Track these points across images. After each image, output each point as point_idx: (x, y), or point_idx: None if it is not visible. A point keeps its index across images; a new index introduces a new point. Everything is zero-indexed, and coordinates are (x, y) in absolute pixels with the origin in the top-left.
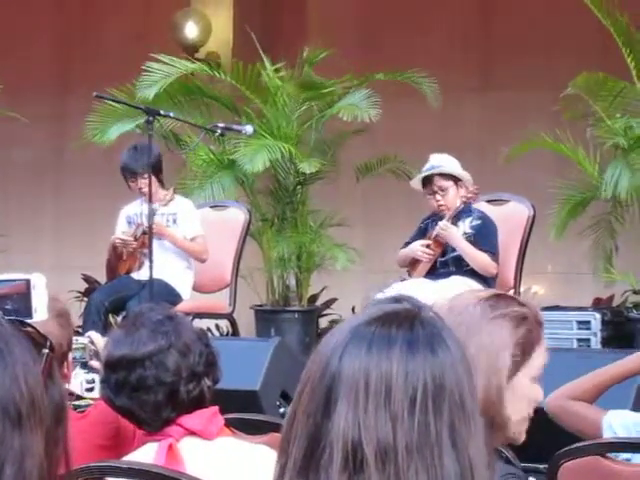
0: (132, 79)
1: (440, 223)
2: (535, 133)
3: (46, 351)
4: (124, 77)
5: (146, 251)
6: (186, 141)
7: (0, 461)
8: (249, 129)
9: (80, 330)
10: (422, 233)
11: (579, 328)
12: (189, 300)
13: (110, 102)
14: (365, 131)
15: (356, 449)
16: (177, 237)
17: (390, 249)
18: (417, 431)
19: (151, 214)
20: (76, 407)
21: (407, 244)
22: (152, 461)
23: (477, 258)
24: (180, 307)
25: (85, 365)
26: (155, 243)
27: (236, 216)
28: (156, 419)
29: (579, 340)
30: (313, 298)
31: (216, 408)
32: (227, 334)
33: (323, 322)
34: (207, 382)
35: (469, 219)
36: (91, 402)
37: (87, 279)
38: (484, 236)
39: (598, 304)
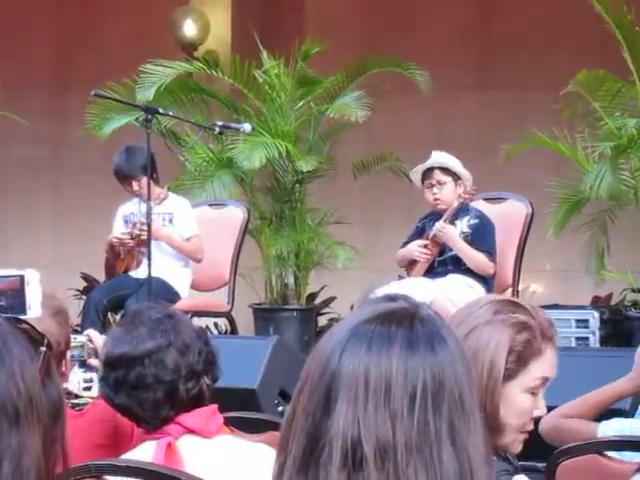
0: (131, 77)
1: (437, 224)
2: (534, 132)
3: (44, 349)
4: (123, 75)
5: (144, 250)
6: (185, 139)
7: None
8: (247, 127)
9: (79, 328)
10: (419, 233)
11: (577, 327)
12: (187, 298)
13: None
14: (362, 127)
15: (355, 447)
16: (173, 238)
17: (388, 247)
18: (416, 429)
19: (149, 213)
20: (74, 405)
21: (405, 244)
22: (150, 459)
23: (474, 258)
24: (178, 305)
25: (83, 364)
26: (153, 242)
27: (234, 214)
28: (155, 417)
29: (577, 339)
30: (312, 296)
31: (215, 406)
32: (226, 332)
33: (322, 320)
34: (206, 380)
35: (466, 218)
36: (89, 401)
37: (86, 277)
38: (481, 236)
39: (597, 302)
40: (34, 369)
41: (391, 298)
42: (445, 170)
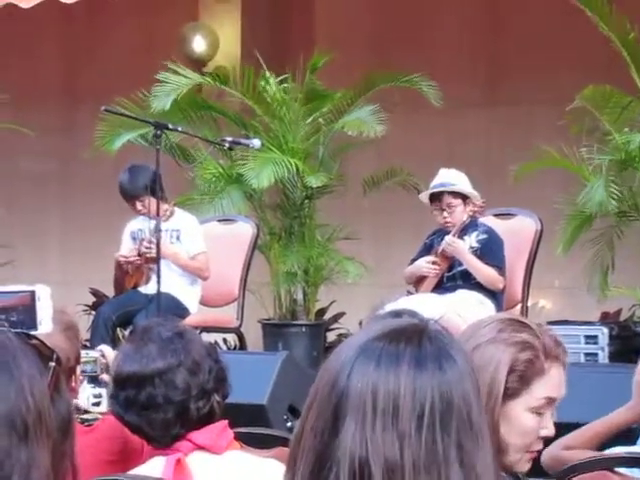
0: (140, 93)
1: (446, 238)
2: (542, 150)
3: (53, 364)
4: (131, 90)
5: (152, 266)
6: (194, 155)
7: (7, 473)
8: (257, 143)
9: (87, 344)
10: (427, 249)
11: (586, 343)
12: (197, 314)
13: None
14: (371, 143)
15: (363, 467)
16: (179, 257)
17: (398, 263)
18: (424, 449)
19: (157, 230)
20: (83, 421)
21: (413, 261)
22: (159, 475)
23: (484, 272)
24: (187, 321)
25: (92, 379)
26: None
27: (244, 230)
28: (165, 436)
29: (586, 355)
30: (321, 312)
31: (226, 422)
32: (235, 348)
33: (331, 336)
34: (217, 398)
35: (475, 233)
36: (98, 416)
37: (95, 293)
38: (490, 250)
39: (605, 319)
40: (43, 384)
41: (397, 314)
42: (454, 193)
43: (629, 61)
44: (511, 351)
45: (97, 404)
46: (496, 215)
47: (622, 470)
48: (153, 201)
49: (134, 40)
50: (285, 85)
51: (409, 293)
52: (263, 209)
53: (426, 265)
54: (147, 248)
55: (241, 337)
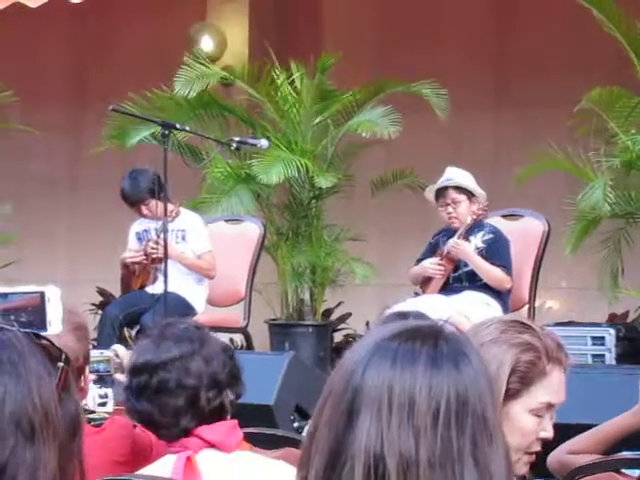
0: (148, 93)
1: (451, 240)
2: (547, 152)
3: (61, 364)
4: (140, 90)
5: (159, 266)
6: (202, 154)
7: (13, 474)
8: (264, 143)
9: (94, 343)
10: (433, 249)
11: (593, 344)
12: (203, 314)
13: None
14: (379, 145)
15: (378, 462)
16: (184, 257)
17: (405, 264)
18: (439, 446)
19: (164, 230)
20: (89, 421)
21: (418, 261)
22: (169, 473)
23: (490, 273)
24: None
25: (99, 380)
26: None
27: (251, 230)
28: (175, 425)
29: (593, 356)
30: (327, 312)
31: (235, 421)
32: (241, 348)
33: (337, 336)
34: (229, 395)
35: (481, 234)
36: (104, 416)
37: (102, 292)
38: (497, 250)
39: (613, 320)
40: (51, 384)
41: (403, 315)
42: (459, 188)
43: (636, 62)
44: (513, 352)
45: (103, 404)
46: (504, 216)
47: (628, 472)
48: (158, 203)
49: (141, 40)
50: (295, 85)
51: (416, 294)
52: (270, 209)
53: (431, 266)
54: (153, 249)
55: (248, 337)
